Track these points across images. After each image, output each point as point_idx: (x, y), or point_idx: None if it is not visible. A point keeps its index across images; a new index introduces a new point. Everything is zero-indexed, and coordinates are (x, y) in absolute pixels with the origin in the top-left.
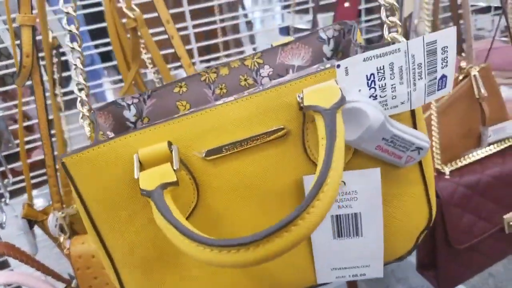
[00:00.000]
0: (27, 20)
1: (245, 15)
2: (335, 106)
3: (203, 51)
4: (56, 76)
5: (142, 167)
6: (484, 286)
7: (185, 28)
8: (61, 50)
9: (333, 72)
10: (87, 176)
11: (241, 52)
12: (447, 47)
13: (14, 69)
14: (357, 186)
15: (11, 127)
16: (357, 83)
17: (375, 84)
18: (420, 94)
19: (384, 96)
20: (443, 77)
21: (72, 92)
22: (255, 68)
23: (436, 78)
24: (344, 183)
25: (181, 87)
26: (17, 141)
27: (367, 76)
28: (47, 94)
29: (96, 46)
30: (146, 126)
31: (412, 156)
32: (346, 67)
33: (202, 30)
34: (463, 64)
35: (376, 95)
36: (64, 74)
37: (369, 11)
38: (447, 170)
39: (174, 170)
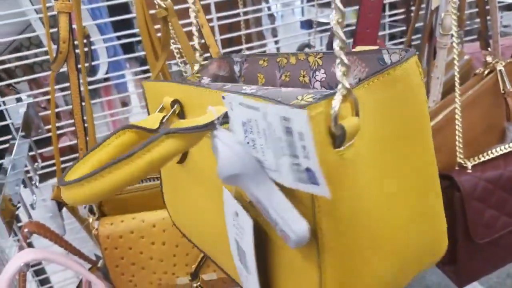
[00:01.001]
0: (65, 7)
1: (268, 8)
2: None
3: (225, 43)
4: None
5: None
6: (502, 286)
7: (210, 21)
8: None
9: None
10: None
11: (263, 45)
12: (303, 134)
13: (42, 58)
14: (243, 224)
15: (40, 114)
16: (237, 124)
17: (247, 135)
18: (285, 172)
19: (256, 153)
20: (309, 170)
21: (94, 82)
22: (314, 68)
23: (300, 166)
24: (237, 214)
25: (264, 61)
26: (47, 127)
27: (242, 122)
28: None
29: (119, 38)
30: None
31: (284, 236)
32: (231, 102)
33: (226, 22)
34: (489, 58)
35: (250, 147)
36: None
37: (393, 5)
38: (469, 164)
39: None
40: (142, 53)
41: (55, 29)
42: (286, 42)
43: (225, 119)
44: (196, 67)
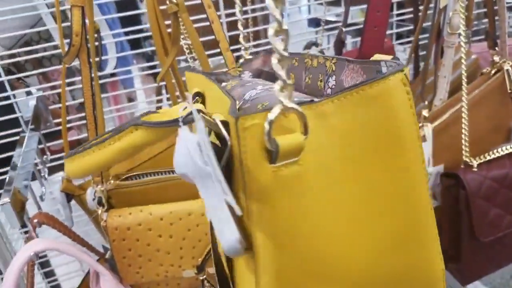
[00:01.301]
0: (78, 1)
1: None
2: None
3: (233, 41)
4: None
5: None
6: (505, 287)
7: (218, 17)
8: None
9: None
10: None
11: (269, 43)
12: (201, 141)
13: (52, 52)
14: None
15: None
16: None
17: None
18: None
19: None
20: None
21: (102, 77)
22: (329, 73)
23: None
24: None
25: (295, 60)
26: (56, 120)
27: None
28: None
29: (126, 34)
30: None
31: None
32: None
33: (235, 19)
34: (496, 58)
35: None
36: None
37: (400, 4)
38: (475, 163)
39: None
40: (150, 49)
41: (66, 24)
42: (293, 40)
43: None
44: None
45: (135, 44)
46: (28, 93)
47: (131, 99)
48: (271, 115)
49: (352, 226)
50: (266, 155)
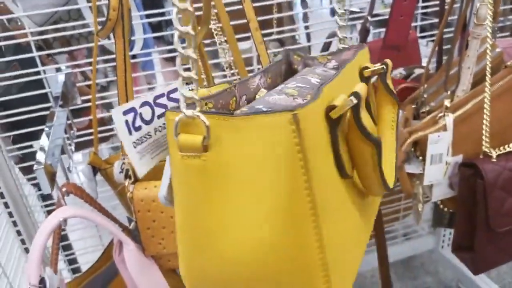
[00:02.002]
0: None
1: None
2: None
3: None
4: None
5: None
6: None
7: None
8: None
9: None
10: (312, 130)
11: (293, 30)
12: None
13: (79, 31)
14: None
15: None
16: None
17: None
18: None
19: None
20: None
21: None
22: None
23: None
24: None
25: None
26: (83, 98)
27: None
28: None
29: (148, 16)
30: None
31: None
32: None
33: (260, 5)
34: None
35: None
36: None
37: None
38: (494, 153)
39: None
40: (171, 32)
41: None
42: (315, 28)
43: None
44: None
45: (156, 28)
46: (58, 70)
47: (149, 83)
48: (177, 118)
49: (238, 218)
50: (177, 144)
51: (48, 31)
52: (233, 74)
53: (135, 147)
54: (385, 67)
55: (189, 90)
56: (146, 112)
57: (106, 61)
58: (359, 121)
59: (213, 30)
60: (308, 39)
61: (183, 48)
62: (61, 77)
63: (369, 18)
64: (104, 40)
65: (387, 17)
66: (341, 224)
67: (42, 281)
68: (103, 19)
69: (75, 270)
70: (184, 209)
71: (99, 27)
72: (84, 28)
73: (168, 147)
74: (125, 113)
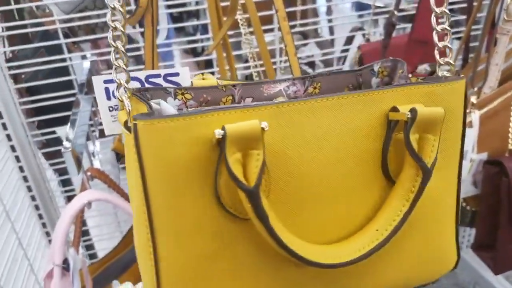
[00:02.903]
0: None
1: None
2: None
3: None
4: None
5: (228, 149)
6: None
7: None
8: None
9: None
10: (158, 147)
11: (315, 23)
12: None
13: (103, 20)
14: None
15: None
16: None
17: None
18: None
19: None
20: None
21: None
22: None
23: None
24: None
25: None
26: None
27: None
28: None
29: (169, 7)
30: (234, 107)
31: None
32: None
33: None
34: None
35: None
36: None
37: None
38: None
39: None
40: (192, 23)
41: None
42: (338, 21)
43: None
44: None
45: (177, 20)
46: (83, 58)
47: None
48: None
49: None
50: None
51: (74, 19)
52: (255, 66)
53: (110, 111)
54: (410, 115)
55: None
56: (133, 86)
57: (128, 50)
58: (228, 165)
59: (239, 21)
60: (331, 33)
61: (113, 21)
62: (86, 65)
63: (395, 12)
64: (128, 30)
65: (411, 12)
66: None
67: (65, 261)
68: (127, 8)
69: (92, 256)
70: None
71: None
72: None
73: None
74: (106, 82)
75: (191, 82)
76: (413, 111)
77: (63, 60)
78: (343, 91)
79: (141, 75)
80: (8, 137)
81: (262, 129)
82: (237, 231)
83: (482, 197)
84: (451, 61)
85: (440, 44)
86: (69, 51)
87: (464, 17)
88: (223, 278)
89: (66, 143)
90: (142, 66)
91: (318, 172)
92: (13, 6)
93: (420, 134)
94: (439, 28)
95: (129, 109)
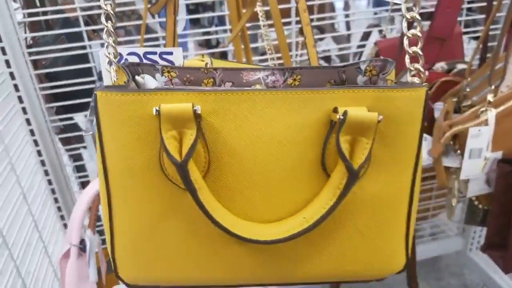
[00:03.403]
0: None
1: None
2: None
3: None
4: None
5: (163, 126)
6: None
7: None
8: None
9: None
10: (113, 117)
11: (332, 17)
12: None
13: (122, 9)
14: None
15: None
16: None
17: None
18: None
19: None
20: None
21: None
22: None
23: None
24: None
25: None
26: None
27: None
28: None
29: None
30: (179, 88)
31: None
32: None
33: None
34: None
35: None
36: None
37: None
38: None
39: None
40: (208, 14)
41: None
42: (356, 17)
43: None
44: None
45: (193, 12)
46: (102, 46)
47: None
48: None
49: None
50: None
51: (94, 8)
52: (272, 59)
53: (110, 72)
54: (341, 117)
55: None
56: (132, 60)
57: (148, 40)
58: (162, 139)
59: (258, 12)
60: (348, 28)
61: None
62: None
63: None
64: (148, 19)
65: (429, 10)
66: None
67: (82, 242)
68: None
69: (104, 242)
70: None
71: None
72: (126, 7)
73: None
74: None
75: (183, 62)
76: (345, 113)
77: (83, 47)
78: (325, 86)
79: (140, 51)
80: (28, 122)
81: (195, 111)
82: (178, 199)
83: (495, 196)
84: (421, 68)
85: (411, 50)
86: (89, 39)
87: (483, 16)
88: (162, 239)
89: (86, 127)
90: None
91: (257, 159)
92: None
93: (353, 136)
94: (409, 33)
95: (114, 80)
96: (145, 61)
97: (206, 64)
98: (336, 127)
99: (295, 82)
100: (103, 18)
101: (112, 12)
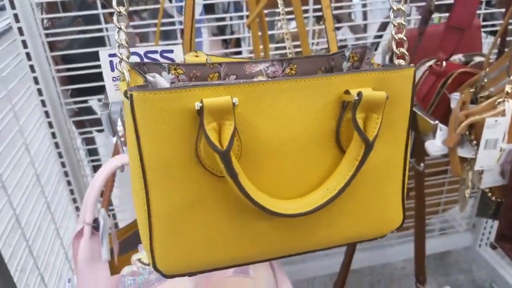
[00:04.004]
0: None
1: None
2: None
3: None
4: None
5: (205, 118)
6: None
7: None
8: None
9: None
10: (149, 115)
11: (349, 7)
12: None
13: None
14: None
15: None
16: None
17: None
18: None
19: None
20: None
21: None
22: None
23: None
24: None
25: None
26: None
27: None
28: None
29: None
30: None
31: None
32: None
33: None
34: None
35: None
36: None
37: None
38: None
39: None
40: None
41: None
42: (372, 7)
43: None
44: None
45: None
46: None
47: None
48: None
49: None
50: None
51: None
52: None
53: (114, 81)
54: (356, 97)
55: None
56: (133, 60)
57: (164, 24)
58: (205, 132)
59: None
60: (365, 17)
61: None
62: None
63: None
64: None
65: (448, 1)
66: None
67: (95, 221)
68: None
69: (115, 225)
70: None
71: None
72: None
73: None
74: (111, 56)
75: (184, 58)
76: (359, 94)
77: (100, 30)
78: (317, 73)
79: (141, 50)
80: (43, 103)
81: (233, 104)
82: (213, 186)
83: (509, 187)
84: (406, 52)
85: (397, 37)
86: (106, 22)
87: (501, 10)
88: (199, 224)
89: (102, 108)
90: (172, 41)
91: (279, 142)
92: None
93: (366, 113)
94: (396, 22)
95: (128, 81)
96: (146, 60)
97: (207, 59)
98: (350, 106)
99: (292, 71)
100: (114, 3)
101: (125, 13)
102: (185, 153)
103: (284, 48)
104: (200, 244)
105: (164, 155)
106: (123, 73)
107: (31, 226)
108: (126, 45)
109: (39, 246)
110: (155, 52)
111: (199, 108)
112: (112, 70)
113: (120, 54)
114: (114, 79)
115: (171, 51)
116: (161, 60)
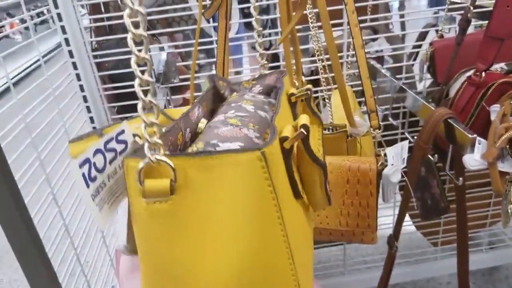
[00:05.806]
0: None
1: None
2: None
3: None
4: None
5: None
6: None
7: None
8: None
9: None
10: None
11: (386, 18)
12: None
13: (180, 14)
14: None
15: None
16: None
17: None
18: None
19: None
20: None
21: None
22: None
23: None
24: None
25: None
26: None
27: None
28: None
29: (240, 3)
30: None
31: None
32: None
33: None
34: None
35: None
36: None
37: None
38: None
39: None
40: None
41: None
42: (409, 17)
43: None
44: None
45: (248, 16)
46: (161, 49)
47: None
48: (140, 165)
49: (213, 259)
50: (141, 190)
51: (152, 13)
52: (322, 60)
53: (93, 199)
54: (309, 92)
55: (151, 130)
56: (99, 160)
57: (202, 43)
58: (309, 149)
59: (308, 14)
60: (403, 28)
61: (139, 51)
62: (163, 56)
63: (471, 8)
64: (203, 24)
65: (488, 9)
66: (298, 238)
67: None
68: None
69: None
70: (151, 257)
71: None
72: (184, 11)
73: (123, 194)
74: (81, 165)
75: (134, 135)
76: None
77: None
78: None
79: (101, 145)
80: (91, 120)
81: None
82: (299, 207)
83: None
84: None
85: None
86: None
87: None
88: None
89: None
90: (213, 59)
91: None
92: (100, 0)
93: None
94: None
95: (173, 168)
96: (107, 153)
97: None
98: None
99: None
100: (133, 47)
101: (156, 122)
102: (289, 194)
103: (321, 61)
104: None
105: (287, 201)
106: (167, 163)
107: (79, 234)
108: (157, 121)
109: (87, 252)
110: (111, 140)
111: (306, 133)
112: (88, 185)
113: (154, 136)
114: (94, 196)
115: (122, 132)
116: (118, 146)
